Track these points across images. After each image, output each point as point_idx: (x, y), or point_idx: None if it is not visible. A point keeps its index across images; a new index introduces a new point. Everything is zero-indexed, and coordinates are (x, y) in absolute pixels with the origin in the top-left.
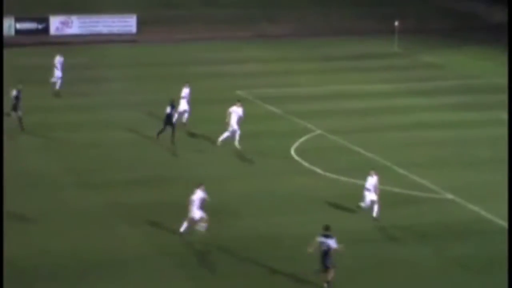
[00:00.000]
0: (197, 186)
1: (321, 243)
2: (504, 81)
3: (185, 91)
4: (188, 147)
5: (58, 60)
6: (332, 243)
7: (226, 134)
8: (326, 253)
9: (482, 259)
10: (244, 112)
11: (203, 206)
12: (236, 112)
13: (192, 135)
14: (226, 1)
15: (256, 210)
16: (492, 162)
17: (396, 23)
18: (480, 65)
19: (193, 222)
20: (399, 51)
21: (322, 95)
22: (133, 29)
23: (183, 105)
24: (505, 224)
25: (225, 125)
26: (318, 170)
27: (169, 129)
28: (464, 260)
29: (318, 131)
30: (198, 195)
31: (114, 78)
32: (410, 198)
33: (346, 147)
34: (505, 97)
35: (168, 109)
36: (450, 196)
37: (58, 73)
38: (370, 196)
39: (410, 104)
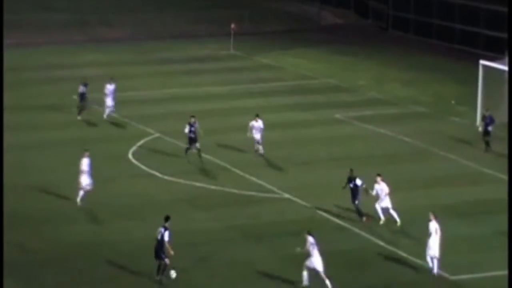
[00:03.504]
0: None
1: None
2: (336, 81)
3: (109, 88)
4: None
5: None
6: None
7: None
8: None
9: None
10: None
11: None
12: (256, 126)
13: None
14: (60, 5)
15: (94, 215)
16: (327, 161)
17: (232, 26)
18: (313, 66)
19: None
20: (235, 54)
21: (160, 98)
22: None
23: (108, 102)
24: (339, 221)
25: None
26: (157, 174)
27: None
28: (300, 258)
29: (156, 135)
30: None
31: None
32: (248, 198)
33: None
34: (338, 97)
35: (81, 88)
36: (287, 195)
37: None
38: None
39: (248, 106)
